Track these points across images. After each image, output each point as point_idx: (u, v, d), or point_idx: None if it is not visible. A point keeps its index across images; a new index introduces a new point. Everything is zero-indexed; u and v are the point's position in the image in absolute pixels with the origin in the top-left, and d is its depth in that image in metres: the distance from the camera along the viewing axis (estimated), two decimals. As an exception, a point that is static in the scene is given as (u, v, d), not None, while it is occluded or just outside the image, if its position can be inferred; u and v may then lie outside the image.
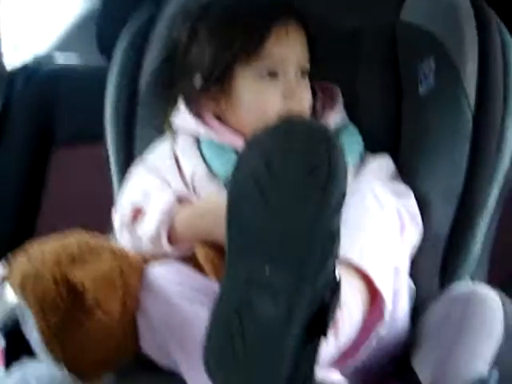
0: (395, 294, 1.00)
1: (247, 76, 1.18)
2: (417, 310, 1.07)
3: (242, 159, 0.83)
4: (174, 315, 0.94)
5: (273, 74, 1.18)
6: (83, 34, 2.26)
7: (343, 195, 0.78)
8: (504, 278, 1.37)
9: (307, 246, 0.75)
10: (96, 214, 1.74)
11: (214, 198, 1.13)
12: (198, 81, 1.21)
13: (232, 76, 1.19)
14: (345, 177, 0.78)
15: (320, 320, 0.77)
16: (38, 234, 1.79)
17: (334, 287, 0.78)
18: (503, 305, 0.93)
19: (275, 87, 1.18)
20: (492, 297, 0.94)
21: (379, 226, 1.00)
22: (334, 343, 0.88)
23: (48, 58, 2.07)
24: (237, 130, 1.21)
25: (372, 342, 0.94)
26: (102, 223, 1.67)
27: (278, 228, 0.76)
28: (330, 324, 0.77)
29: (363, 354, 0.95)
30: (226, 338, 0.76)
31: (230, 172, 1.11)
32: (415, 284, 1.11)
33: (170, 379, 0.96)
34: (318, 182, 0.76)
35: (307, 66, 1.22)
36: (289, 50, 1.18)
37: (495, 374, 0.86)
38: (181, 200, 1.13)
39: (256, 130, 0.85)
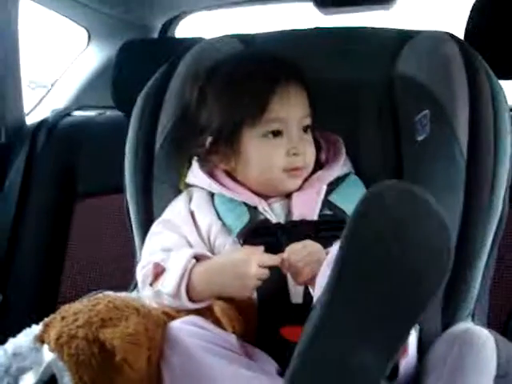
0: None
1: (253, 136, 1.26)
2: (421, 349, 1.12)
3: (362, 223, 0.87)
4: (195, 367, 1.01)
5: (277, 133, 1.25)
6: (99, 87, 2.37)
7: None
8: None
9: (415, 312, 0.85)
10: (117, 262, 1.84)
11: (228, 255, 1.21)
12: (208, 141, 1.29)
13: (239, 136, 1.27)
14: None
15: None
16: (63, 286, 1.89)
17: None
18: (496, 344, 0.99)
19: (279, 145, 1.25)
20: (486, 336, 1.00)
21: None
22: None
23: (66, 110, 2.16)
24: (246, 186, 1.29)
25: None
26: (124, 272, 1.76)
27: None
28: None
29: None
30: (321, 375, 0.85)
31: (242, 226, 1.21)
32: (419, 324, 1.16)
33: None
34: (438, 265, 0.85)
35: (309, 122, 1.29)
36: (291, 110, 1.26)
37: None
38: (198, 256, 1.19)
39: None
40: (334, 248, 1.05)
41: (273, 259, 1.14)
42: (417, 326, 1.15)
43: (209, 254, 1.22)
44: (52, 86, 2.46)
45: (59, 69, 2.57)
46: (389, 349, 0.86)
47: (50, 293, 1.86)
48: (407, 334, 0.87)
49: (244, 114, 1.25)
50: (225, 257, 1.21)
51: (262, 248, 1.16)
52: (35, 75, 2.11)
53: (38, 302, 1.83)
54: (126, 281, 1.43)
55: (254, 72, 1.28)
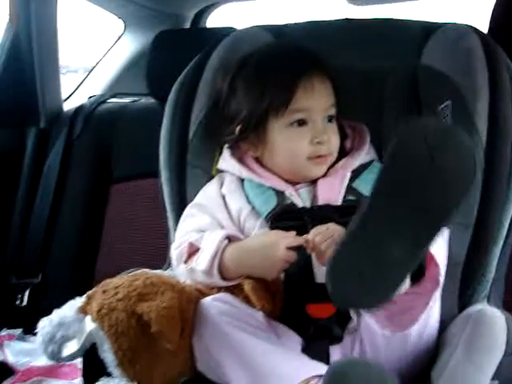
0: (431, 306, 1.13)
1: (279, 125, 1.32)
2: (440, 329, 1.18)
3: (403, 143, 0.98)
4: (223, 341, 1.09)
5: (302, 123, 1.31)
6: (133, 75, 2.44)
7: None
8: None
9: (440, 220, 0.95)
10: (151, 244, 1.91)
11: (259, 238, 1.27)
12: (237, 130, 1.35)
13: (266, 126, 1.33)
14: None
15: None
16: (100, 261, 1.97)
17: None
18: (507, 323, 1.05)
19: (304, 134, 1.31)
20: (497, 316, 1.06)
21: None
22: None
23: (102, 97, 2.23)
24: (274, 172, 1.36)
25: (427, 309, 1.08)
26: (157, 252, 1.82)
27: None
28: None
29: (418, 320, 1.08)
30: (356, 261, 0.95)
31: (270, 210, 1.28)
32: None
33: None
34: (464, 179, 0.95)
35: (333, 111, 1.35)
36: (315, 100, 1.31)
37: (495, 385, 0.99)
38: (230, 237, 1.26)
39: None
40: None
41: (298, 240, 1.19)
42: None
43: (240, 235, 1.29)
44: (88, 72, 2.53)
45: (90, 55, 2.64)
46: (415, 245, 0.95)
47: (87, 273, 1.93)
48: (432, 235, 0.96)
49: (270, 104, 1.30)
50: (255, 239, 1.27)
51: (292, 233, 1.21)
52: (66, 60, 2.16)
53: (74, 281, 1.90)
54: (157, 261, 1.50)
55: (280, 64, 1.33)
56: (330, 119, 1.34)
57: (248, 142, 1.37)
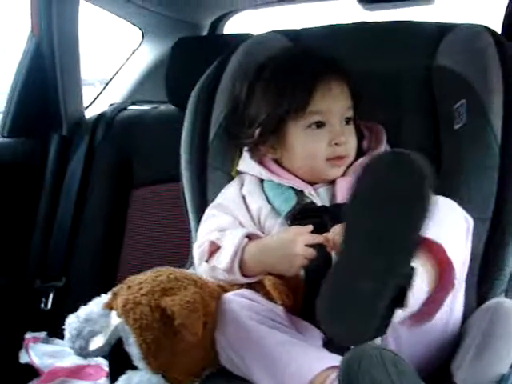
0: (454, 298, 1.15)
1: (297, 128, 1.35)
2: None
3: (360, 182, 0.98)
4: (245, 335, 1.11)
5: (320, 125, 1.34)
6: (151, 84, 2.47)
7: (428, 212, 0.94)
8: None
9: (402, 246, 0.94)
10: (172, 247, 1.94)
11: (278, 235, 1.29)
12: (256, 133, 1.38)
13: (285, 128, 1.36)
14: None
15: (401, 295, 0.95)
16: (122, 264, 1.99)
17: (412, 273, 0.96)
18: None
19: (322, 136, 1.34)
20: None
21: (451, 222, 1.13)
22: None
23: (123, 105, 2.27)
24: (292, 172, 1.38)
25: (443, 306, 1.08)
26: (178, 255, 1.85)
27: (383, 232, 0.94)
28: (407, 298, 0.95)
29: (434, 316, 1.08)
30: (337, 298, 0.96)
31: (289, 209, 1.30)
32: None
33: None
34: (417, 204, 0.94)
35: (351, 113, 1.37)
36: (332, 103, 1.34)
37: (514, 373, 1.01)
38: (250, 236, 1.29)
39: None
40: None
41: (317, 238, 1.21)
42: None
43: (260, 233, 1.31)
44: (108, 81, 2.56)
45: (106, 67, 2.68)
46: (385, 275, 0.94)
47: (109, 276, 1.96)
48: (399, 266, 0.95)
49: (288, 107, 1.33)
50: (274, 237, 1.30)
51: (310, 227, 1.24)
52: (82, 73, 2.18)
53: (97, 285, 1.91)
54: (178, 263, 1.51)
55: (298, 67, 1.36)
56: (347, 121, 1.37)
57: (267, 144, 1.40)
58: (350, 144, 1.37)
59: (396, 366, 0.91)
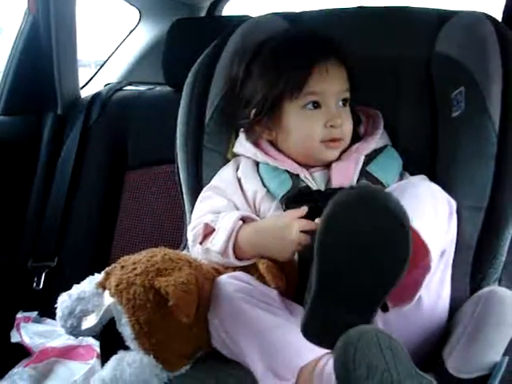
0: (441, 283, 1.16)
1: (293, 108, 1.35)
2: (452, 311, 1.20)
3: (332, 221, 0.96)
4: (238, 317, 1.11)
5: (316, 106, 1.34)
6: (148, 64, 2.46)
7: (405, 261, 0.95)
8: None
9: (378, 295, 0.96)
10: (166, 228, 1.93)
11: (273, 219, 1.30)
12: (252, 113, 1.38)
13: (280, 108, 1.36)
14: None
15: None
16: (115, 246, 1.99)
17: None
18: (518, 303, 1.06)
19: (318, 117, 1.34)
20: (508, 295, 1.07)
21: (429, 206, 1.13)
22: None
23: (118, 85, 2.25)
24: (288, 155, 1.38)
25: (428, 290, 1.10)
26: (171, 237, 1.84)
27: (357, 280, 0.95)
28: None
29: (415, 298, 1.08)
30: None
31: (284, 192, 1.29)
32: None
33: (235, 367, 1.12)
34: (393, 252, 0.94)
35: (347, 95, 1.37)
36: (329, 84, 1.34)
37: (505, 361, 1.01)
38: (245, 218, 1.28)
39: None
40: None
41: (312, 224, 1.21)
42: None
43: (255, 216, 1.31)
44: (104, 61, 2.55)
45: (102, 49, 2.66)
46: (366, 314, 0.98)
47: (102, 257, 1.94)
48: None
49: (284, 87, 1.33)
50: (269, 220, 1.30)
51: (305, 208, 1.24)
52: (78, 54, 2.17)
53: (89, 265, 1.89)
54: (172, 245, 1.51)
55: (295, 49, 1.36)
56: (343, 103, 1.36)
57: (263, 125, 1.39)
58: (346, 127, 1.37)
59: (391, 350, 0.91)
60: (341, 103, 1.36)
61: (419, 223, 1.04)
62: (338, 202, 0.96)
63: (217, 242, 1.26)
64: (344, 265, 0.95)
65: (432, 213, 1.13)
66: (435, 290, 1.15)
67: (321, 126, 1.34)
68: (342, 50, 1.38)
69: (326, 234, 0.96)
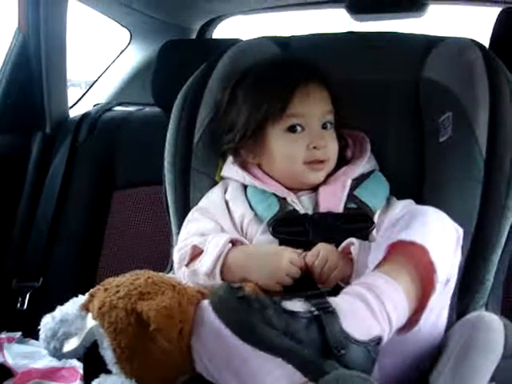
0: (441, 310, 1.14)
1: (276, 131, 1.36)
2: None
3: None
4: (221, 345, 1.07)
5: (298, 128, 1.35)
6: (138, 85, 2.46)
7: None
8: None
9: None
10: (152, 250, 1.93)
11: (264, 245, 1.30)
12: (236, 137, 1.39)
13: (264, 132, 1.37)
14: None
15: None
16: (101, 266, 1.98)
17: None
18: (505, 327, 1.05)
19: (300, 139, 1.35)
20: (495, 321, 1.06)
21: (438, 228, 1.11)
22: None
23: (107, 105, 2.25)
24: (274, 178, 1.39)
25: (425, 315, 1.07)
26: (158, 258, 1.83)
27: None
28: None
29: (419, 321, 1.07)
30: None
31: (271, 215, 1.31)
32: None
33: None
34: None
35: (330, 118, 1.38)
36: (311, 106, 1.35)
37: (493, 388, 1.00)
38: (234, 241, 1.28)
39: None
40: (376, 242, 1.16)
41: (302, 264, 1.22)
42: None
43: (244, 240, 1.31)
44: (94, 81, 2.55)
45: (93, 69, 2.67)
46: None
47: (88, 278, 1.94)
48: None
49: (267, 111, 1.34)
50: (260, 246, 1.30)
51: (300, 251, 1.24)
52: (68, 74, 2.17)
53: (75, 286, 1.89)
54: (159, 267, 1.50)
55: (278, 74, 1.38)
56: (327, 125, 1.37)
57: (247, 148, 1.40)
58: (330, 148, 1.37)
59: None
60: (328, 125, 1.37)
61: (428, 246, 1.05)
62: None
63: (205, 263, 1.25)
64: None
65: (441, 240, 1.11)
66: (436, 315, 1.13)
67: (303, 148, 1.34)
68: (326, 74, 1.40)
69: None
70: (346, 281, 1.21)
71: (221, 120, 1.44)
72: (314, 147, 1.34)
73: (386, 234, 1.11)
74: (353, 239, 1.26)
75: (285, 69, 1.40)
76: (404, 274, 1.06)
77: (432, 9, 2.09)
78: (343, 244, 1.26)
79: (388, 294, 1.03)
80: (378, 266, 1.08)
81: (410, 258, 1.06)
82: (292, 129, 1.35)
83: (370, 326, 1.02)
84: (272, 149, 1.37)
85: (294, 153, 1.35)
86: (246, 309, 1.00)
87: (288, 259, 1.21)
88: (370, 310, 1.02)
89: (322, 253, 1.22)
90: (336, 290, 1.17)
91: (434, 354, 1.14)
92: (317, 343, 1.00)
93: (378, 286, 1.04)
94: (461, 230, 1.17)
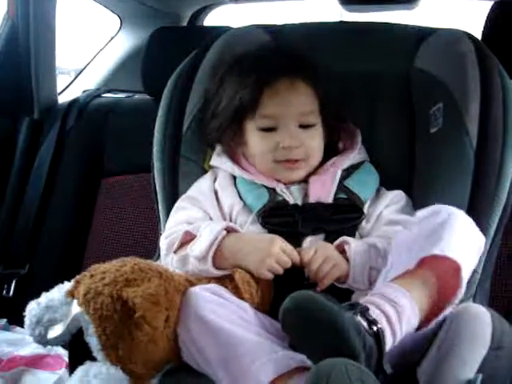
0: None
1: (251, 127, 1.36)
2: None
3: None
4: (207, 331, 1.08)
5: (272, 127, 1.34)
6: (128, 72, 2.44)
7: None
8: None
9: None
10: (140, 237, 1.92)
11: (258, 234, 1.29)
12: (217, 125, 1.39)
13: (242, 124, 1.37)
14: None
15: None
16: (87, 254, 1.97)
17: None
18: (492, 319, 1.06)
19: (272, 138, 1.34)
20: (483, 312, 1.07)
21: (471, 244, 1.14)
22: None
23: (96, 92, 2.23)
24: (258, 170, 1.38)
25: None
26: (145, 246, 1.83)
27: None
28: None
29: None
30: None
31: (261, 206, 1.31)
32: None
33: (207, 381, 1.09)
34: None
35: (310, 120, 1.35)
36: (285, 107, 1.33)
37: (479, 378, 1.00)
38: (230, 229, 1.26)
39: None
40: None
41: (293, 255, 1.22)
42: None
43: (239, 228, 1.30)
44: (83, 67, 2.53)
45: (82, 57, 2.65)
46: None
47: (74, 265, 1.92)
48: None
49: (241, 105, 1.34)
50: (254, 234, 1.30)
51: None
52: (58, 62, 2.15)
53: (61, 273, 1.87)
54: (146, 254, 1.49)
55: (256, 66, 1.36)
56: (305, 125, 1.35)
57: (229, 138, 1.40)
58: (309, 146, 1.35)
59: (362, 381, 0.91)
60: (300, 126, 1.34)
61: (461, 262, 1.07)
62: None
63: (197, 247, 1.24)
64: None
65: (470, 254, 1.13)
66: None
67: (272, 147, 1.34)
68: (314, 68, 1.38)
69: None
70: (342, 280, 1.22)
71: (207, 108, 1.43)
72: (284, 147, 1.33)
73: (418, 242, 1.11)
74: (347, 238, 1.26)
75: (268, 61, 1.38)
76: (426, 294, 1.06)
77: (424, 1, 2.08)
78: (337, 242, 1.26)
79: (407, 314, 1.04)
80: (402, 276, 1.08)
81: (440, 274, 1.07)
82: (266, 128, 1.34)
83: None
84: (249, 143, 1.38)
85: (264, 151, 1.35)
86: None
87: (280, 247, 1.21)
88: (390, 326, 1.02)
89: (320, 250, 1.22)
90: (328, 290, 1.19)
91: (425, 344, 1.14)
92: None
93: (402, 305, 1.04)
94: (483, 239, 1.18)
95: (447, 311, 1.08)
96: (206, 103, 1.46)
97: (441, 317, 1.07)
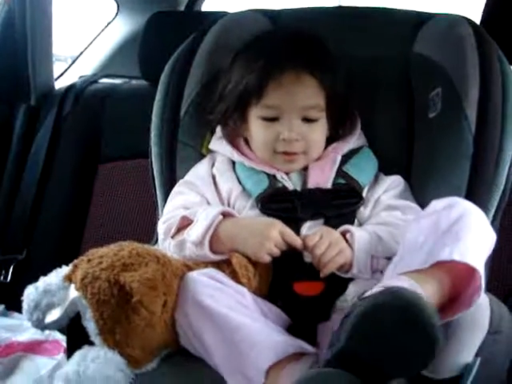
0: None
1: (254, 115, 1.35)
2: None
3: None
4: (205, 316, 1.08)
5: (275, 118, 1.32)
6: (125, 57, 2.43)
7: None
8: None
9: None
10: (137, 223, 1.92)
11: (256, 217, 1.29)
12: (223, 108, 1.38)
13: (246, 110, 1.35)
14: None
15: None
16: (85, 238, 1.96)
17: None
18: (491, 304, 1.06)
19: (273, 129, 1.32)
20: (482, 298, 1.05)
21: (485, 244, 1.12)
22: None
23: (93, 77, 2.22)
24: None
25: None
26: (143, 231, 1.82)
27: None
28: None
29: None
30: None
31: (260, 191, 1.31)
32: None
33: (205, 366, 1.09)
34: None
35: (314, 114, 1.33)
36: (287, 99, 1.31)
37: (477, 361, 1.00)
38: (226, 214, 1.26)
39: None
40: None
41: (293, 239, 1.21)
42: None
43: (236, 213, 1.29)
44: (80, 53, 2.52)
45: (79, 44, 2.64)
46: None
47: (72, 251, 1.91)
48: None
49: (246, 90, 1.33)
50: (253, 218, 1.29)
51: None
52: (54, 49, 2.15)
53: (59, 259, 1.87)
54: (143, 240, 1.49)
55: (267, 54, 1.33)
56: (308, 119, 1.33)
57: (233, 123, 1.39)
58: (308, 141, 1.34)
59: None
60: (303, 119, 1.33)
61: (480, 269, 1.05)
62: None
63: (194, 232, 1.23)
64: None
65: (484, 254, 1.11)
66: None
67: (272, 138, 1.33)
68: (321, 63, 1.34)
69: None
70: (346, 269, 1.21)
71: (213, 89, 1.42)
72: (284, 139, 1.32)
73: (432, 236, 1.09)
74: (349, 226, 1.25)
75: (276, 49, 1.34)
76: (438, 292, 1.05)
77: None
78: (339, 230, 1.25)
79: None
80: (417, 272, 1.06)
81: (455, 279, 1.06)
82: (268, 118, 1.33)
83: None
84: (252, 131, 1.37)
85: (265, 140, 1.34)
86: None
87: (279, 230, 1.20)
88: None
89: (325, 235, 1.20)
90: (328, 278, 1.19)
91: None
92: None
93: None
94: (495, 237, 1.16)
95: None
96: (207, 87, 1.45)
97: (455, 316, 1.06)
